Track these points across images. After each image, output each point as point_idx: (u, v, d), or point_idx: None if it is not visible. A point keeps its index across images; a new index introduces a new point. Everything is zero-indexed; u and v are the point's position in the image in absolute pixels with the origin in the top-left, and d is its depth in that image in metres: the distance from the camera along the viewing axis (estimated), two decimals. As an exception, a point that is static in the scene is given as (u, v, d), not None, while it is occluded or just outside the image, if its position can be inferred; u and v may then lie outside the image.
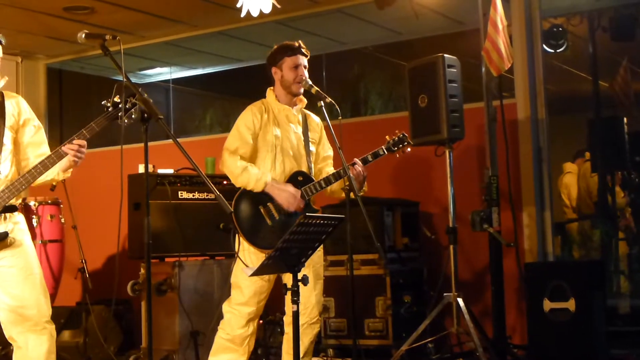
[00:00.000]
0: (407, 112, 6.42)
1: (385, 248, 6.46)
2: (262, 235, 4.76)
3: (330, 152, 5.11)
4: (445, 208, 6.31)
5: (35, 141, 4.32)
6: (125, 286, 6.33)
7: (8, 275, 4.12)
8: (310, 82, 4.89)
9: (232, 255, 6.33)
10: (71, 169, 4.28)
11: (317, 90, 4.84)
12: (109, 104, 4.07)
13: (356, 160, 4.83)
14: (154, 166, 6.43)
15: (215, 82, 11.04)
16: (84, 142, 4.09)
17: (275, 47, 5.03)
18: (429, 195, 7.16)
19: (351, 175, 4.71)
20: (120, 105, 4.04)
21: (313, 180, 4.90)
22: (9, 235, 4.11)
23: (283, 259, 3.92)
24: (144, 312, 6.54)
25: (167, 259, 6.49)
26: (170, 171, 6.68)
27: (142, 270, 6.46)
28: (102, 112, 4.09)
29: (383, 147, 4.91)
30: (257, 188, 4.78)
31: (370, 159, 4.88)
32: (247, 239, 4.76)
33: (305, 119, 5.06)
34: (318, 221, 3.94)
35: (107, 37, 3.92)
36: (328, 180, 4.85)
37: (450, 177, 6.03)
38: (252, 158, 4.91)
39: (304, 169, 4.94)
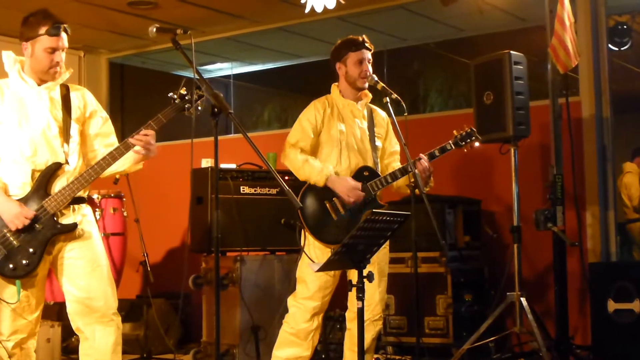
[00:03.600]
0: (468, 110, 6.39)
1: (446, 246, 6.42)
2: (328, 230, 4.77)
3: (397, 148, 5.08)
4: (508, 206, 6.27)
5: (104, 132, 4.34)
6: (186, 280, 6.38)
7: (76, 267, 4.16)
8: (377, 78, 4.87)
9: (293, 251, 6.38)
10: (142, 162, 4.30)
11: (383, 86, 4.82)
12: (175, 96, 4.09)
13: (422, 155, 4.79)
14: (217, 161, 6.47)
15: (274, 78, 11.07)
16: (152, 132, 4.09)
17: (339, 42, 5.02)
18: (490, 194, 7.11)
19: (416, 171, 4.69)
20: (187, 97, 4.06)
21: (379, 176, 4.89)
22: (78, 226, 4.15)
23: (349, 254, 3.92)
24: (204, 306, 6.60)
25: (228, 254, 6.52)
26: (233, 166, 6.71)
27: (204, 264, 6.51)
28: (165, 106, 4.11)
29: (450, 141, 4.87)
30: (320, 181, 4.78)
31: (437, 154, 4.85)
32: (313, 233, 4.77)
33: (370, 113, 5.05)
34: (384, 217, 3.93)
35: (178, 31, 3.93)
36: (394, 176, 4.83)
37: (515, 175, 5.97)
38: (314, 152, 4.92)
39: (370, 164, 4.93)
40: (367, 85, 4.94)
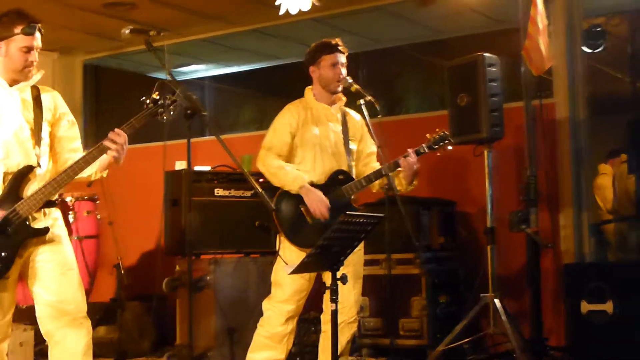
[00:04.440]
0: (444, 111, 6.39)
1: (421, 247, 6.42)
2: (303, 234, 4.77)
3: (374, 148, 5.06)
4: (482, 208, 6.28)
5: (69, 135, 4.28)
6: (160, 282, 6.36)
7: (46, 270, 4.12)
8: (350, 80, 4.87)
9: (268, 253, 6.36)
10: (107, 170, 4.25)
11: (357, 89, 4.83)
12: (148, 101, 4.06)
13: (409, 151, 4.78)
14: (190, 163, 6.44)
15: (251, 80, 11.05)
16: (125, 135, 4.05)
17: (313, 45, 5.03)
18: (465, 195, 7.12)
19: (390, 174, 4.69)
20: (160, 102, 4.03)
21: (354, 179, 4.89)
22: (49, 230, 4.12)
23: (323, 257, 3.94)
24: (179, 308, 6.57)
25: (203, 256, 6.50)
26: (207, 168, 6.69)
27: (178, 267, 6.49)
28: (140, 109, 4.08)
29: (424, 145, 4.86)
30: (293, 189, 4.77)
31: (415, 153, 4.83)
32: (288, 237, 4.77)
33: (344, 117, 5.05)
34: (358, 220, 3.95)
35: (152, 32, 3.92)
36: (368, 179, 4.84)
37: (488, 177, 6.01)
38: (289, 157, 4.92)
39: (344, 167, 4.93)
40: (340, 88, 4.94)
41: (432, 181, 7.20)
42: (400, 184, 4.85)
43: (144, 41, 3.93)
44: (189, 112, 3.87)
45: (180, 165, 6.58)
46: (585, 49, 7.18)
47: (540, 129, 6.44)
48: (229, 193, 6.63)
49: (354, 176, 4.94)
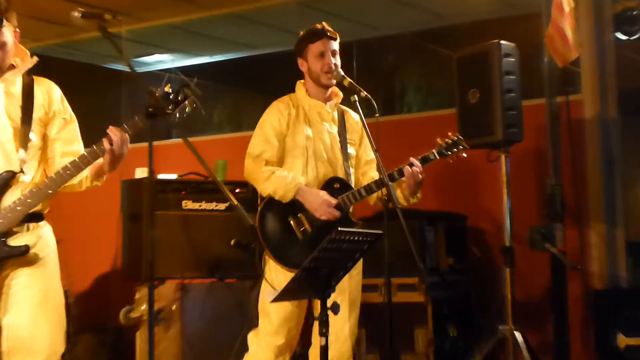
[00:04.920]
0: (451, 110, 6.41)
1: (426, 270, 6.41)
2: (292, 252, 4.73)
3: (374, 155, 5.02)
4: (498, 223, 6.28)
5: (64, 137, 4.22)
6: (117, 312, 6.33)
7: (21, 298, 4.02)
8: (342, 73, 4.85)
9: (245, 277, 6.35)
10: (103, 178, 4.20)
11: (351, 82, 4.80)
12: (157, 94, 3.90)
13: (413, 160, 4.76)
14: (153, 170, 6.41)
15: (226, 73, 11.05)
16: (123, 136, 3.95)
17: (300, 34, 5.02)
18: (478, 208, 7.13)
19: (391, 183, 4.67)
20: (172, 97, 3.90)
21: (352, 188, 4.87)
22: (30, 250, 4.05)
23: (310, 281, 3.89)
24: (138, 343, 6.53)
25: (168, 282, 6.47)
26: (173, 176, 6.68)
27: (138, 294, 6.46)
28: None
29: (434, 150, 4.83)
30: (288, 194, 4.76)
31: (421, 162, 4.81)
32: (275, 256, 4.74)
33: (342, 116, 5.03)
34: (351, 237, 3.89)
35: (107, 16, 3.89)
36: (369, 189, 4.80)
37: (506, 187, 6.00)
38: (281, 163, 4.91)
39: (341, 174, 4.91)
40: (333, 82, 4.91)
41: (439, 191, 7.20)
42: (401, 196, 4.84)
43: (98, 27, 3.90)
44: (150, 110, 3.82)
45: (141, 172, 6.56)
46: (618, 35, 7.19)
47: (566, 130, 6.43)
48: (200, 206, 6.61)
49: (352, 184, 4.93)
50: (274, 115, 4.91)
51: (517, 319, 5.91)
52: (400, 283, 6.44)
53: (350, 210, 4.88)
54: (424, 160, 4.79)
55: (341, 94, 5.03)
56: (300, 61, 4.98)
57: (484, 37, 6.14)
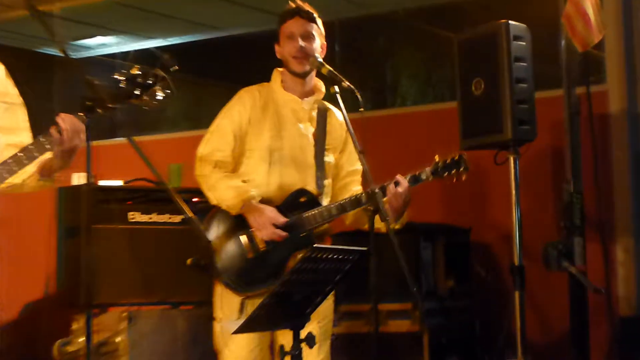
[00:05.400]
0: (452, 103, 6.42)
1: (422, 294, 6.41)
2: (245, 273, 4.70)
3: (359, 166, 4.97)
4: (507, 237, 6.28)
5: (5, 125, 4.15)
6: (50, 345, 6.32)
7: None
8: (320, 59, 4.81)
9: (204, 303, 6.29)
10: (55, 176, 4.10)
11: (330, 71, 4.75)
12: (121, 78, 3.86)
13: (400, 178, 4.69)
14: (94, 176, 6.38)
15: (182, 59, 11.01)
16: (75, 122, 3.84)
17: None
18: (484, 219, 7.17)
19: (377, 190, 4.61)
20: (140, 80, 3.88)
21: (319, 205, 4.81)
22: None
23: (281, 308, 3.87)
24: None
25: (111, 309, 6.48)
26: (119, 183, 6.65)
27: (75, 324, 6.43)
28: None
29: (428, 169, 4.75)
30: (235, 206, 4.71)
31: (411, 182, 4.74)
32: (221, 279, 4.71)
33: (324, 116, 4.97)
34: (330, 255, 3.88)
35: (36, -8, 3.86)
36: (341, 208, 4.73)
37: (515, 194, 6.00)
38: (238, 165, 4.86)
39: (310, 187, 4.84)
40: (307, 68, 4.86)
41: (438, 200, 7.22)
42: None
43: (26, 4, 3.87)
44: (88, 104, 3.78)
45: (79, 179, 6.51)
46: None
47: (587, 127, 6.43)
48: (150, 218, 6.60)
49: (321, 201, 4.86)
50: (235, 108, 4.87)
51: (529, 352, 5.91)
52: (391, 309, 6.47)
53: (321, 228, 4.81)
54: (414, 180, 4.70)
55: (323, 90, 4.94)
56: (276, 47, 4.95)
57: (491, 17, 6.14)
